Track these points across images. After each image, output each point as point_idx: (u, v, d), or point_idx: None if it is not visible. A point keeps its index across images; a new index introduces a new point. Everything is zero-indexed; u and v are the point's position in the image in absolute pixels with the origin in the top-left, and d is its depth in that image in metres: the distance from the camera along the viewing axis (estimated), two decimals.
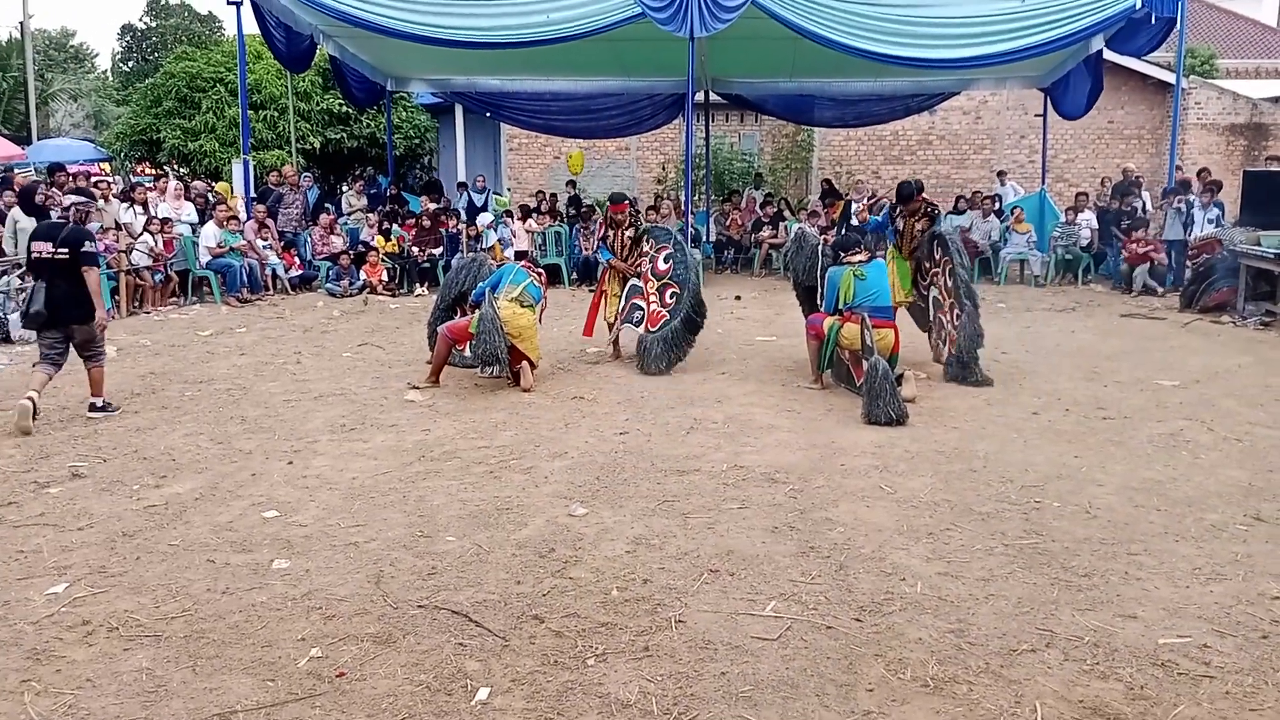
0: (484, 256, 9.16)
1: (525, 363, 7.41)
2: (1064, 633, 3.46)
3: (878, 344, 6.68)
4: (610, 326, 8.66)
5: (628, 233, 8.62)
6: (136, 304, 11.46)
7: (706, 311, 8.34)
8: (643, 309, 8.28)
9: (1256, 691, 3.08)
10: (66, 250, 6.57)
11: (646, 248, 8.52)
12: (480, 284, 7.76)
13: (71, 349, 6.74)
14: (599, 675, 3.23)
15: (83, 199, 8.35)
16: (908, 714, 2.98)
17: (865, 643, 3.41)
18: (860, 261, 7.11)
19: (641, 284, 8.41)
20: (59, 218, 7.53)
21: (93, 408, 6.76)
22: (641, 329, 8.17)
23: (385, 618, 3.66)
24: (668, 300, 8.17)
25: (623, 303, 8.53)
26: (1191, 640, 3.40)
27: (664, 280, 8.25)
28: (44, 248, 6.62)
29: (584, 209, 15.63)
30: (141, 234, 11.87)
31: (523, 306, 7.36)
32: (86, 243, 6.71)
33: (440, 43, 12.39)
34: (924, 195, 8.41)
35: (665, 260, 8.28)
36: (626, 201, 9.17)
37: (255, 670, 3.30)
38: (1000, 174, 17.50)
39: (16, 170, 17.36)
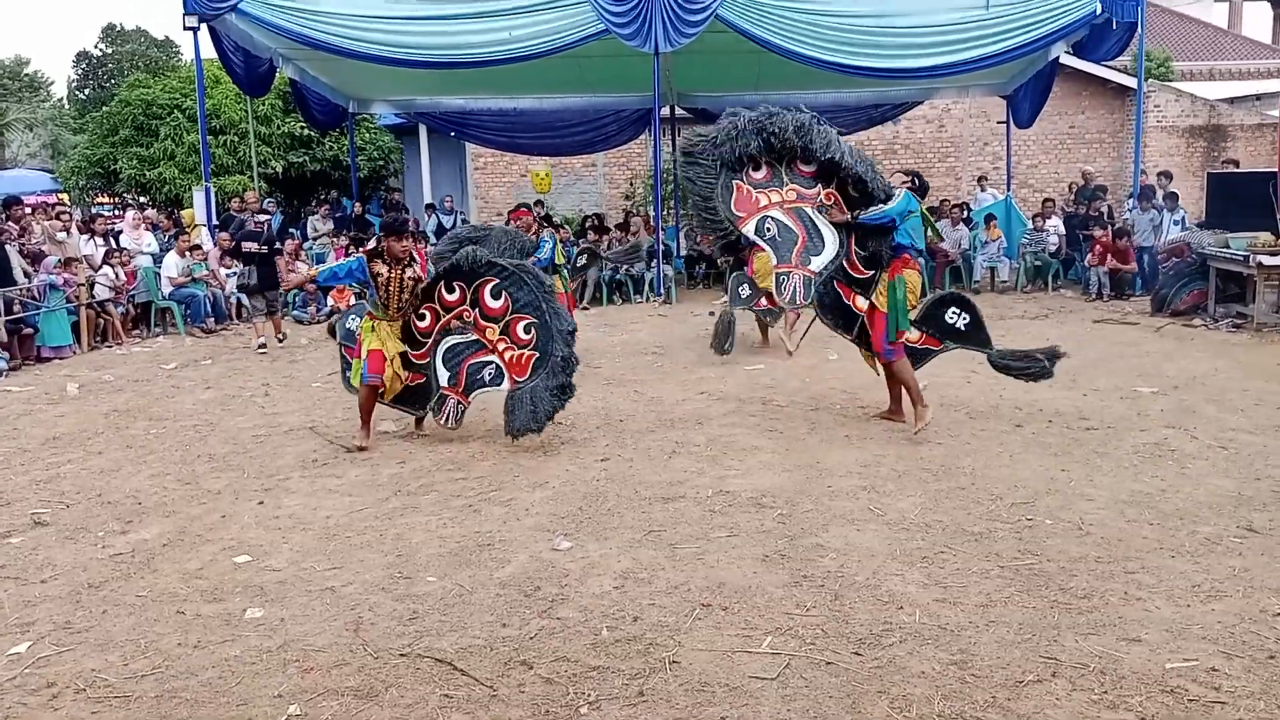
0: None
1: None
2: (1068, 660, 3.37)
3: None
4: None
5: (407, 272, 6.39)
6: (99, 338, 11.19)
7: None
8: (495, 362, 6.41)
9: (1271, 717, 3.00)
10: (266, 247, 10.72)
11: (451, 294, 6.50)
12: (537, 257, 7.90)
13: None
14: None
15: (265, 215, 12.37)
16: None
17: (867, 678, 3.30)
18: None
19: (473, 334, 6.47)
20: (254, 228, 10.98)
21: (261, 348, 10.45)
22: (506, 384, 6.37)
23: (366, 669, 3.51)
24: (523, 336, 6.33)
25: (439, 363, 6.51)
26: (1199, 663, 3.32)
27: (505, 318, 6.38)
28: (252, 246, 10.66)
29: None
30: (101, 266, 11.62)
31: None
32: (277, 243, 11.50)
33: (400, 63, 12.28)
34: None
35: (492, 295, 6.38)
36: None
37: None
38: (980, 179, 17.56)
39: None
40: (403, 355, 6.49)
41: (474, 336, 6.46)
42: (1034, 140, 19.21)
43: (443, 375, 6.52)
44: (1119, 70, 18.50)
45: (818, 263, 6.36)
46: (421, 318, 6.52)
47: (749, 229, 6.32)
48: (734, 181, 6.42)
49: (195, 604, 4.12)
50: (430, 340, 6.55)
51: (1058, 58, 14.01)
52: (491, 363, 6.43)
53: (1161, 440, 6.10)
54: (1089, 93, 19.23)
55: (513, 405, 6.30)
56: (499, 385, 6.43)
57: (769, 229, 6.37)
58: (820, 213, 6.49)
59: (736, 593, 4.02)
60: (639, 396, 7.76)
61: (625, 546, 4.58)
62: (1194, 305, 11.02)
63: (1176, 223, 12.87)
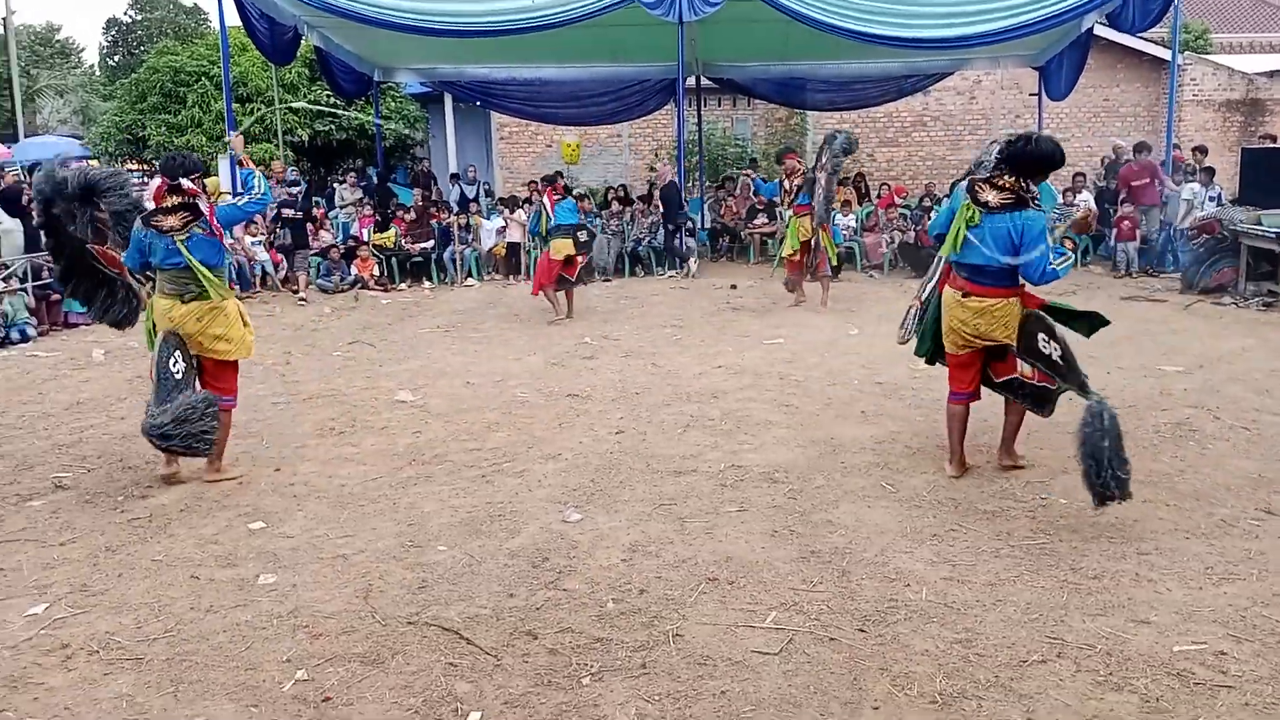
0: None
1: None
2: (1075, 641, 3.34)
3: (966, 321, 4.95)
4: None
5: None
6: None
7: None
8: None
9: (1277, 702, 2.96)
10: (301, 213, 12.69)
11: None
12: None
13: None
14: (594, 696, 3.11)
15: (296, 186, 13.70)
16: None
17: (870, 655, 3.30)
18: (987, 202, 4.80)
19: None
20: (287, 197, 12.98)
21: (301, 299, 11.82)
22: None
23: (373, 636, 3.54)
24: None
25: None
26: (1207, 646, 3.29)
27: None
28: (289, 212, 12.77)
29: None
30: None
31: None
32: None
33: (422, 31, 12.20)
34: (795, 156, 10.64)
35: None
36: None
37: (238, 695, 3.19)
38: None
39: (6, 169, 17.09)
40: None
41: None
42: (1067, 113, 18.87)
43: None
44: (1156, 42, 18.13)
45: None
46: None
47: None
48: None
49: (209, 569, 4.17)
50: None
51: (1092, 29, 13.71)
52: None
53: (1183, 420, 6.02)
54: (1124, 65, 18.86)
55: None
56: None
57: None
58: None
59: (744, 567, 4.02)
60: (656, 369, 7.74)
61: (635, 519, 4.59)
62: (1224, 283, 10.82)
63: (1212, 199, 12.59)
